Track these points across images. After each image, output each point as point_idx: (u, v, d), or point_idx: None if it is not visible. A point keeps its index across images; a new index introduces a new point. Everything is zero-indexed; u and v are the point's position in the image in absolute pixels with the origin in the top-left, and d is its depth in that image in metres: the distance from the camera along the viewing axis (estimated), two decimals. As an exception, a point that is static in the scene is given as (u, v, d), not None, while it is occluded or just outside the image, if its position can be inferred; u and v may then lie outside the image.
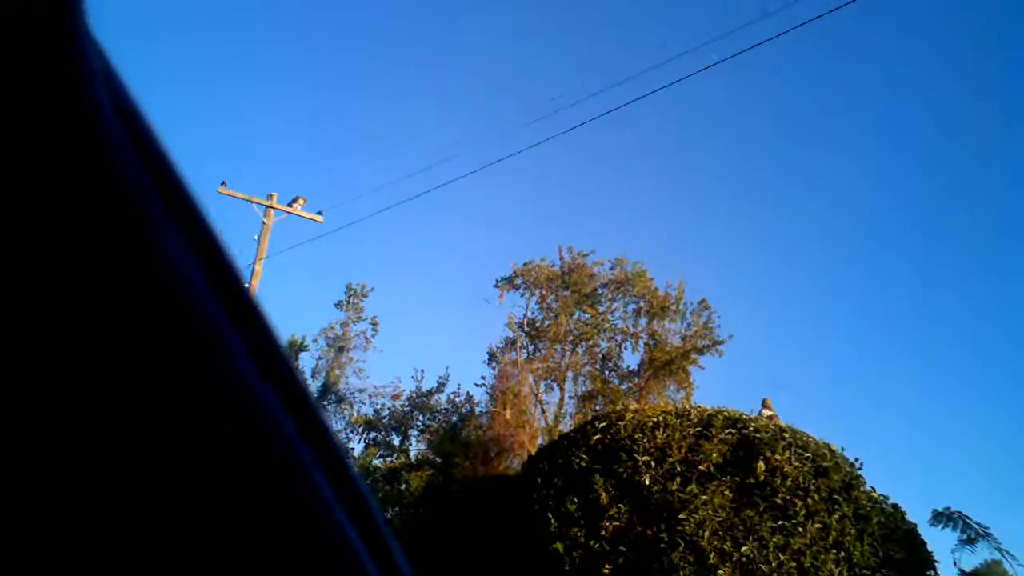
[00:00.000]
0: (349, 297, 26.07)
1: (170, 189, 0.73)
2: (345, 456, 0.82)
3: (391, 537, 0.85)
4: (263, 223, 24.61)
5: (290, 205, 24.94)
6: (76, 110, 0.64)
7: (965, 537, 14.52)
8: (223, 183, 24.30)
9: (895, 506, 12.97)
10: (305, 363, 25.27)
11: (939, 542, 29.31)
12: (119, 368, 0.64)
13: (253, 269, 23.92)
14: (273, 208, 24.82)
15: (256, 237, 24.41)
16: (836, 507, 12.10)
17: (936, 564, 13.00)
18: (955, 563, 14.88)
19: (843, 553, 11.69)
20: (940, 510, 14.84)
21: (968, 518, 14.62)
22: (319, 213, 25.10)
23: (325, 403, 24.39)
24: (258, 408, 0.72)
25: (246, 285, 0.78)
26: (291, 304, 41.69)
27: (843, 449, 13.29)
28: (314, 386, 24.87)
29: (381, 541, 0.83)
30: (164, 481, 0.65)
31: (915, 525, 13.11)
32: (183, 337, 0.67)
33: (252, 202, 24.67)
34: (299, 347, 25.13)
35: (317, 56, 51.65)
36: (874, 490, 13.00)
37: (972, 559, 15.31)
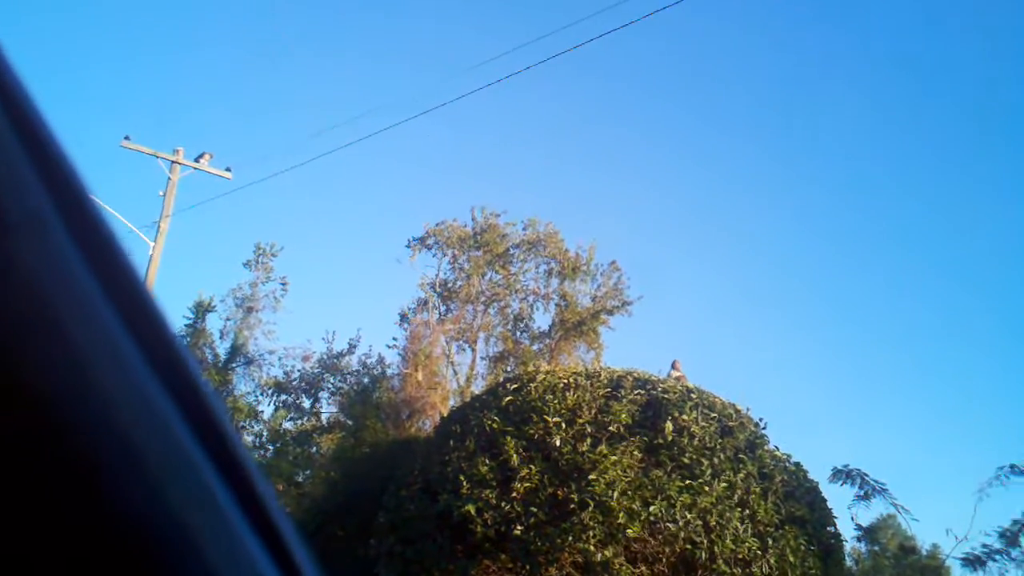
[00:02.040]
0: (258, 256, 25.53)
1: (45, 161, 0.69)
2: (235, 444, 0.80)
3: (286, 526, 0.84)
4: (169, 179, 23.97)
5: (197, 160, 24.30)
6: None
7: (862, 493, 15.00)
8: (126, 137, 23.58)
9: (797, 464, 13.36)
10: (212, 324, 24.77)
11: (839, 498, 30.30)
12: None
13: (158, 227, 23.33)
14: (179, 163, 24.14)
15: (161, 193, 23.78)
16: (741, 466, 12.41)
17: (835, 519, 13.46)
18: (852, 518, 15.39)
19: (748, 511, 12.01)
20: (839, 467, 15.30)
21: (866, 475, 15.11)
22: (227, 169, 24.50)
23: (233, 365, 23.98)
24: (139, 397, 0.69)
25: (133, 271, 0.75)
26: (199, 263, 40.92)
27: (748, 409, 13.64)
28: (222, 348, 24.44)
29: (276, 532, 0.81)
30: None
31: (816, 483, 13.53)
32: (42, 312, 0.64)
33: (157, 157, 23.98)
34: (206, 308, 24.57)
35: (229, 8, 50.40)
36: (777, 449, 13.37)
37: (868, 513, 15.87)
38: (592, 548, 11.41)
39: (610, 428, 12.49)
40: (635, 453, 12.28)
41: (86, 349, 0.66)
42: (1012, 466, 15.09)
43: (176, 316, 23.87)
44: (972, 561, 14.67)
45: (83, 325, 0.67)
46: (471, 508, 12.01)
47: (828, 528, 13.13)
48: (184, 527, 0.70)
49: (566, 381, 13.19)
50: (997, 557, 14.55)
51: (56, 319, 0.65)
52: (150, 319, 0.74)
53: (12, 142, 0.66)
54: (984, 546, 14.68)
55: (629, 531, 11.49)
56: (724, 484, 12.06)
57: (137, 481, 0.67)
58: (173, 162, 24.14)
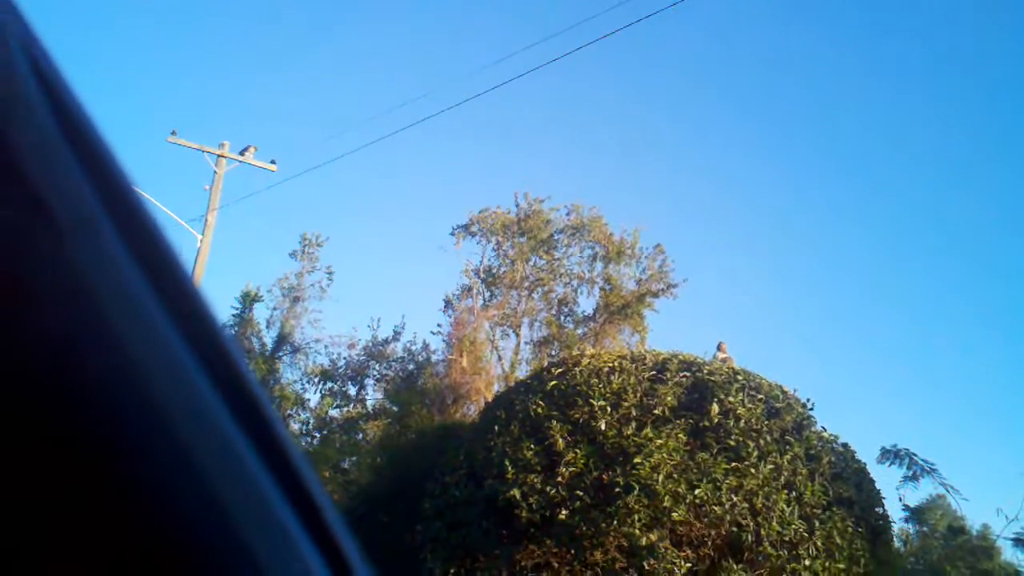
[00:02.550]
0: (304, 247, 25.86)
1: (95, 163, 0.70)
2: (284, 442, 0.80)
3: (336, 522, 0.84)
4: (215, 172, 24.24)
5: (242, 154, 24.55)
6: None
7: (910, 473, 14.82)
8: (173, 132, 23.87)
9: (845, 445, 13.22)
10: (259, 314, 25.11)
11: (887, 479, 30.00)
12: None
13: (206, 220, 23.61)
14: (224, 157, 24.42)
15: (208, 187, 24.07)
16: (788, 448, 12.30)
17: (883, 501, 13.31)
18: (900, 499, 15.22)
19: (794, 493, 11.91)
20: (888, 448, 15.13)
21: (914, 455, 14.93)
22: (272, 162, 24.75)
23: (280, 354, 24.27)
24: (190, 396, 0.70)
25: (182, 269, 0.75)
26: (246, 255, 41.38)
27: (795, 390, 13.50)
28: (269, 337, 24.74)
29: (322, 523, 0.82)
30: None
31: (864, 464, 13.38)
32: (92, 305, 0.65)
33: (203, 151, 24.26)
34: (253, 298, 24.90)
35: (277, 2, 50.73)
36: (825, 430, 13.23)
37: (917, 494, 15.70)
38: (637, 532, 11.39)
39: (655, 411, 12.43)
40: (680, 436, 12.21)
41: (137, 350, 0.67)
42: (1064, 445, 14.82)
43: (224, 306, 24.22)
44: (1023, 541, 14.45)
45: (134, 325, 0.67)
46: (516, 493, 12.03)
47: (876, 509, 12.99)
48: (230, 517, 0.70)
49: (611, 365, 13.14)
50: (1048, 537, 14.34)
51: (108, 321, 0.66)
52: (199, 316, 0.75)
53: (63, 146, 0.67)
54: (1034, 526, 14.46)
55: (674, 514, 11.45)
56: (770, 466, 11.96)
57: (188, 477, 0.68)
58: (219, 156, 24.41)
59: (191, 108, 45.80)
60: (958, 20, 51.38)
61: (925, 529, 18.14)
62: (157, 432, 0.67)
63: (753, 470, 11.85)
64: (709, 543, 11.61)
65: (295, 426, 22.84)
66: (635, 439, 12.07)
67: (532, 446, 12.47)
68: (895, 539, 14.38)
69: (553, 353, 22.11)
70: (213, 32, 50.76)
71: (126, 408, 0.66)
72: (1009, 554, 15.74)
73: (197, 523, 0.68)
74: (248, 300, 24.89)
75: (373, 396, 23.44)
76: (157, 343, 0.69)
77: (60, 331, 0.64)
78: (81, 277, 0.65)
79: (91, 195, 0.68)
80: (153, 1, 48.45)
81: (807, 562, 11.52)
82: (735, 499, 11.55)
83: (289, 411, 22.82)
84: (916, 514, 15.93)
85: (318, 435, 22.75)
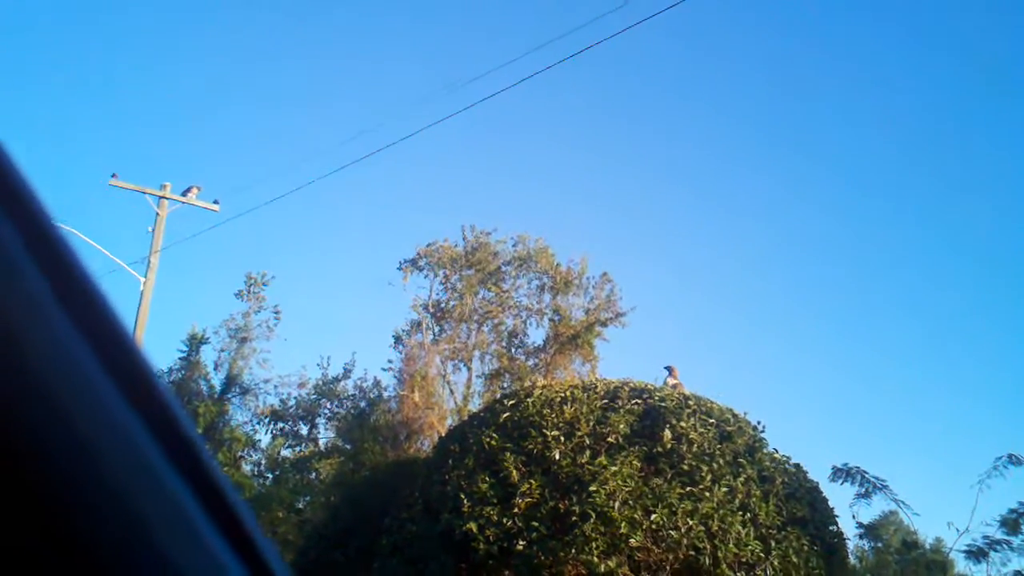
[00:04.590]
0: (249, 286, 25.65)
1: (16, 204, 0.69)
2: (200, 451, 0.81)
3: (255, 529, 0.85)
4: (157, 214, 24.06)
5: (184, 195, 24.43)
6: None
7: (862, 490, 14.99)
8: (114, 175, 23.70)
9: (797, 465, 13.36)
10: (207, 356, 24.81)
11: (840, 497, 30.34)
12: None
13: (149, 262, 23.37)
14: (166, 198, 24.28)
15: (150, 229, 23.87)
16: (741, 470, 12.40)
17: (837, 518, 13.45)
18: (853, 516, 15.37)
19: (749, 514, 12.00)
20: (839, 466, 15.29)
21: (865, 472, 15.09)
22: (215, 202, 24.64)
23: (229, 396, 24.01)
24: (95, 403, 0.70)
25: (90, 282, 0.74)
26: (191, 296, 40.89)
27: (746, 413, 13.62)
28: (217, 379, 24.47)
29: (241, 531, 0.83)
30: None
31: (816, 483, 13.53)
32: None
33: (145, 193, 24.08)
34: (200, 340, 24.62)
35: (213, 40, 50.51)
36: (776, 451, 13.36)
37: (869, 511, 15.87)
38: (596, 559, 11.38)
39: (608, 439, 12.47)
40: (634, 462, 12.25)
41: (63, 393, 0.67)
42: (1010, 456, 15.09)
43: (170, 349, 23.95)
44: (975, 553, 14.67)
45: (54, 362, 0.67)
46: (473, 526, 11.99)
47: (830, 527, 13.13)
48: (160, 547, 0.71)
49: (563, 394, 13.17)
50: (999, 547, 14.56)
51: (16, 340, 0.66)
52: (128, 359, 0.75)
53: None
54: (985, 537, 14.67)
55: (632, 540, 11.47)
56: (724, 489, 12.04)
57: (113, 507, 0.69)
58: (161, 197, 24.23)
59: (133, 150, 45.35)
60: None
61: (879, 545, 18.29)
62: (62, 437, 0.67)
63: (708, 494, 11.93)
64: (667, 568, 11.64)
65: (247, 468, 22.60)
66: (589, 467, 12.09)
67: (487, 478, 12.44)
68: (851, 556, 14.51)
69: (505, 385, 22.09)
70: (155, 71, 50.41)
71: (47, 444, 0.66)
72: (962, 566, 15.99)
73: (112, 530, 0.69)
74: (194, 342, 24.62)
75: (325, 435, 23.32)
76: (86, 387, 0.69)
77: None
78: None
79: (8, 230, 0.67)
80: (93, 42, 47.98)
81: (764, 582, 11.61)
82: (691, 523, 11.60)
83: (240, 452, 22.57)
84: (870, 531, 16.06)
85: (270, 476, 22.53)
